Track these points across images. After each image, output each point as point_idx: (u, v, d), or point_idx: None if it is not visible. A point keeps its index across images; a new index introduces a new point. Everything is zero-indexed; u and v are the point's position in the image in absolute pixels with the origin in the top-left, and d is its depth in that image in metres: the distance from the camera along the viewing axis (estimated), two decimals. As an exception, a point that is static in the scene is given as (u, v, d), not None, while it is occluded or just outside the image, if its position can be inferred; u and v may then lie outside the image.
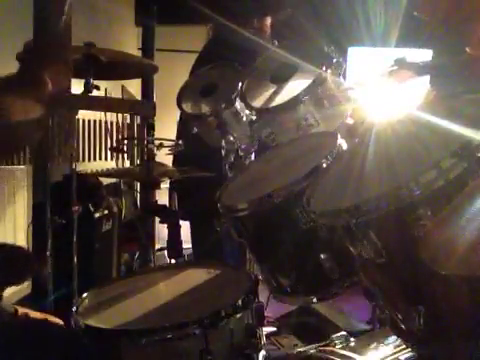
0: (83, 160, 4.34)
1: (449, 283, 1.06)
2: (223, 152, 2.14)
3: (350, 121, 1.98)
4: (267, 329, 2.41)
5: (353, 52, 3.18)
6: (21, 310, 1.57)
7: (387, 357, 1.58)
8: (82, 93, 2.22)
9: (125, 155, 3.73)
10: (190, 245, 3.32)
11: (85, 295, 1.60)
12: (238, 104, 2.10)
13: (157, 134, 3.16)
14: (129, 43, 5.40)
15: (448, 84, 2.04)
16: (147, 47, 4.95)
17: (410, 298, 1.15)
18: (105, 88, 2.27)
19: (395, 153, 1.34)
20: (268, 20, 3.07)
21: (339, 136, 1.60)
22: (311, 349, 1.67)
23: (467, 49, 1.84)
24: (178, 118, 2.87)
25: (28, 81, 1.19)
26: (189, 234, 3.19)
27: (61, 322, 1.58)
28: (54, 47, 1.21)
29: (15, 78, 1.19)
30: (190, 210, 2.95)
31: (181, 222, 2.53)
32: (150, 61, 3.77)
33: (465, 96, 1.41)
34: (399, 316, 1.19)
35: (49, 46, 1.21)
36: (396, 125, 1.45)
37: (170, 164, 2.84)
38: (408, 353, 1.53)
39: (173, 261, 2.47)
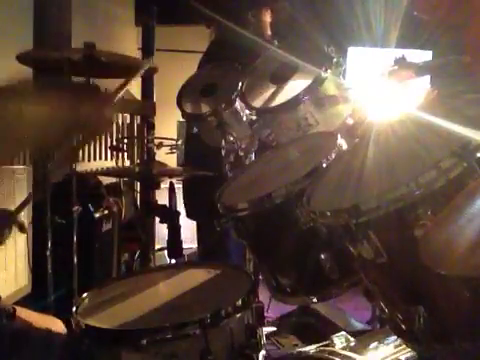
0: (83, 160, 4.34)
1: (449, 283, 1.06)
2: (223, 152, 2.14)
3: (350, 121, 1.98)
4: (267, 329, 2.41)
5: (353, 52, 3.18)
6: (20, 310, 1.56)
7: (387, 357, 1.58)
8: (82, 93, 2.22)
9: (125, 155, 3.73)
10: (190, 245, 3.33)
11: (85, 295, 1.60)
12: (238, 104, 2.10)
13: (157, 134, 3.17)
14: (129, 43, 5.41)
15: (448, 84, 2.04)
16: (147, 47, 4.95)
17: (410, 298, 1.15)
18: (105, 88, 2.27)
19: (395, 153, 1.34)
20: (266, 16, 3.06)
21: (339, 136, 1.60)
22: (311, 349, 1.67)
23: (467, 57, 1.84)
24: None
25: None
26: (189, 234, 3.19)
27: (60, 323, 1.57)
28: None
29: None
30: (196, 209, 2.95)
31: (182, 222, 2.53)
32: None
33: (465, 96, 1.41)
34: (399, 316, 1.19)
35: None
36: (396, 125, 1.45)
37: (170, 164, 2.84)
38: (408, 353, 1.53)
39: (173, 261, 2.47)
